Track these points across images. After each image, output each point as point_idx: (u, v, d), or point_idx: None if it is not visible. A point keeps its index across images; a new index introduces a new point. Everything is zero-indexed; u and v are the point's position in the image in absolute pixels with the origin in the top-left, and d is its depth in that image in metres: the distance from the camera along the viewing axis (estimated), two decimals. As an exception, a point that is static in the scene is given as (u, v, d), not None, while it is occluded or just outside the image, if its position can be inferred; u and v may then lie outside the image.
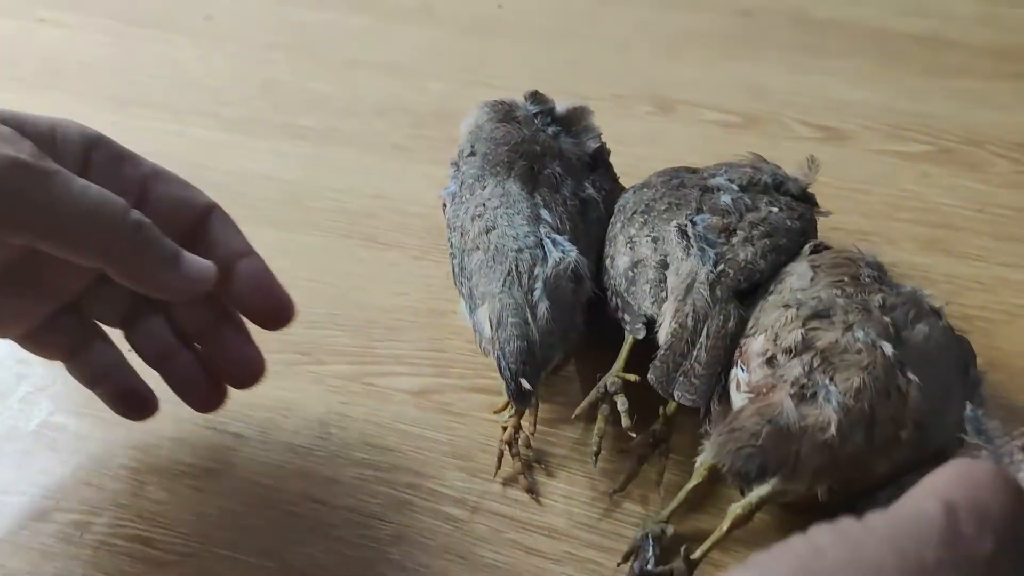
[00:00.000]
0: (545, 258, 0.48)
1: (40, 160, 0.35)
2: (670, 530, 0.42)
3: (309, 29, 0.85)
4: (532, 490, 0.45)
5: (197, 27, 0.85)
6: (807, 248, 0.51)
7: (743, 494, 0.40)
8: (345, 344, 0.54)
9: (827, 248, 0.51)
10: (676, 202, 0.52)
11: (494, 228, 0.50)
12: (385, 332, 0.55)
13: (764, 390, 0.40)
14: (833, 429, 0.38)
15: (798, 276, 0.47)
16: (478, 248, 0.49)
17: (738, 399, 0.42)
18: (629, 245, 0.51)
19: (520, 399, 0.44)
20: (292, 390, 0.51)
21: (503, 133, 0.55)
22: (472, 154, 0.55)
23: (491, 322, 0.46)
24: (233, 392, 0.43)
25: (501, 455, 0.46)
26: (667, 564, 0.40)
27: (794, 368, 0.40)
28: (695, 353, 0.45)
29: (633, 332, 0.47)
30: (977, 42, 0.81)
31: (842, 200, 0.64)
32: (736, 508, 0.39)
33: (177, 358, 0.43)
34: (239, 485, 0.47)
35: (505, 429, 0.46)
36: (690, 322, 0.45)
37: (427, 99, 0.76)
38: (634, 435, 0.45)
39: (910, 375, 0.40)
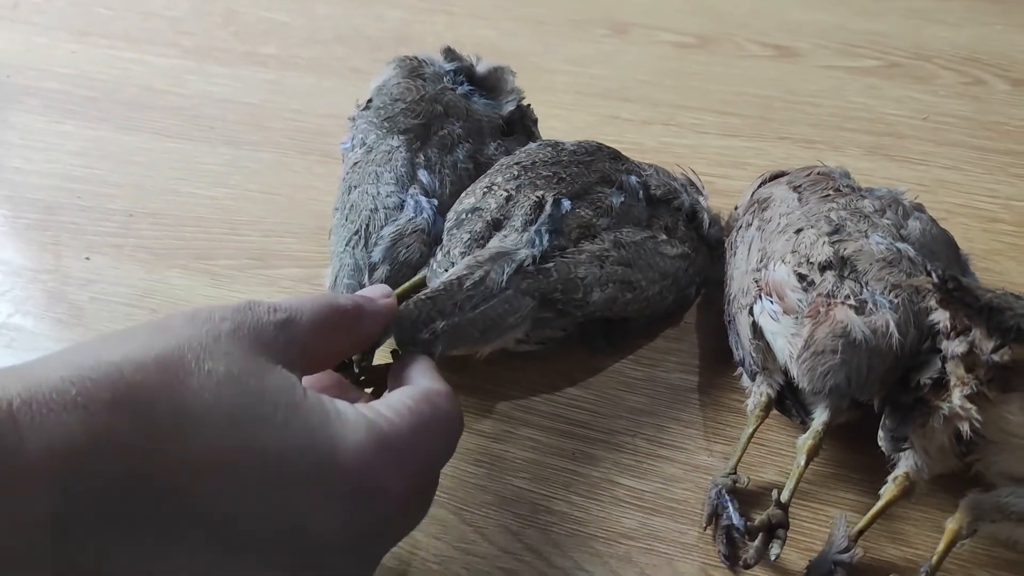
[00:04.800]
0: (398, 220, 0.46)
1: None
2: (743, 479, 0.40)
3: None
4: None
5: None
6: (757, 180, 0.50)
7: (804, 424, 0.40)
8: (298, 250, 0.55)
9: (781, 173, 0.51)
10: (563, 176, 0.46)
11: (357, 187, 0.48)
12: (337, 238, 0.56)
13: (821, 309, 0.39)
14: (895, 330, 0.38)
15: (781, 200, 0.47)
16: (337, 209, 0.48)
17: (778, 327, 0.41)
18: (485, 190, 0.46)
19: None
20: (244, 292, 0.52)
21: (401, 89, 0.53)
22: (367, 108, 0.53)
23: (329, 282, 0.46)
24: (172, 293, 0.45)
25: None
26: (750, 517, 0.38)
27: (827, 282, 0.40)
28: (454, 319, 0.39)
29: (429, 273, 0.44)
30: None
31: (791, 112, 0.65)
32: (807, 439, 0.38)
33: None
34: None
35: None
36: (469, 286, 0.40)
37: (387, 25, 0.77)
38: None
39: (930, 266, 0.40)
